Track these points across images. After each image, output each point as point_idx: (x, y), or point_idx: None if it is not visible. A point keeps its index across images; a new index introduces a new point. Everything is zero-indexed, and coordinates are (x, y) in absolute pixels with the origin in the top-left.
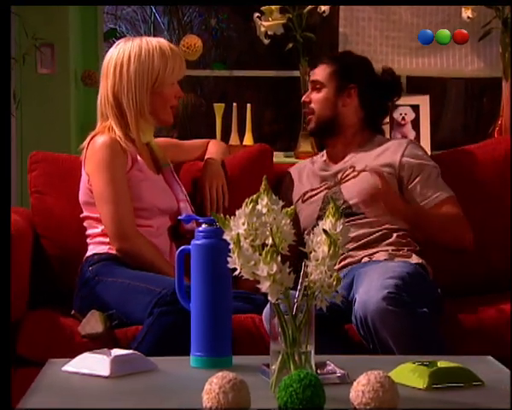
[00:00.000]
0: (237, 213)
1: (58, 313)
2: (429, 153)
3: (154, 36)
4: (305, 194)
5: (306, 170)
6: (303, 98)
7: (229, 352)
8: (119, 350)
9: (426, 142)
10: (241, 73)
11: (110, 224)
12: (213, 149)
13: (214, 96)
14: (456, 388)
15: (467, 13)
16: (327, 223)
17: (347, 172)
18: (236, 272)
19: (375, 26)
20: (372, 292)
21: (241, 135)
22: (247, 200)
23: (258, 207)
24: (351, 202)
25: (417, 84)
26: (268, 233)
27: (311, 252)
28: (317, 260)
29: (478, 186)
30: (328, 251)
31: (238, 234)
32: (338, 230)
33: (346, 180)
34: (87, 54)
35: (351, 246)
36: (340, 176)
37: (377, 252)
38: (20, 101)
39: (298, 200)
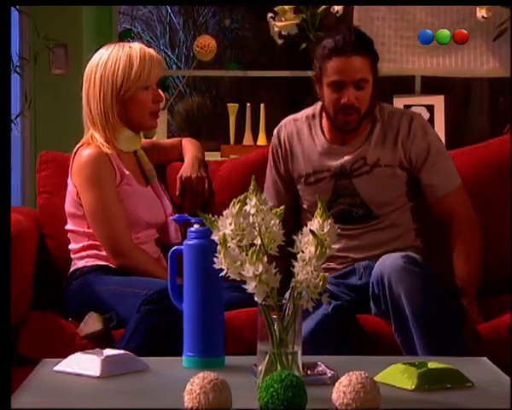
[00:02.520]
0: (224, 213)
1: (60, 314)
2: None
3: (170, 36)
4: (307, 175)
5: (300, 140)
6: (348, 100)
7: (222, 352)
8: (111, 350)
9: None
10: (256, 73)
11: (105, 242)
12: (191, 147)
13: (229, 97)
14: (445, 389)
15: (481, 12)
16: (314, 223)
17: (358, 164)
18: (223, 273)
19: (389, 25)
20: (392, 255)
21: (255, 135)
22: (234, 200)
23: (247, 207)
24: (371, 206)
25: (432, 85)
26: (256, 233)
27: (298, 253)
28: (304, 260)
29: (478, 187)
30: (315, 252)
31: (224, 234)
32: (325, 230)
33: (358, 174)
34: None
35: (373, 253)
36: (349, 167)
37: None
38: (32, 101)
39: (300, 178)
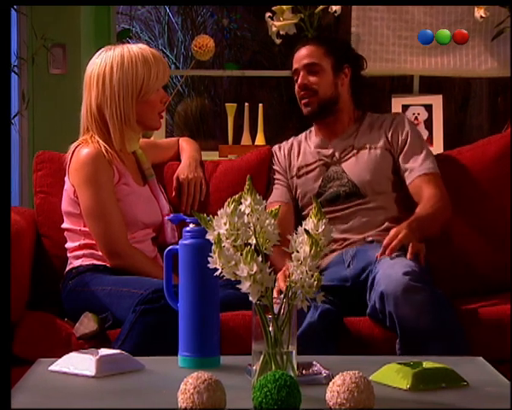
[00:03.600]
0: (219, 213)
1: (56, 314)
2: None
3: (168, 36)
4: (299, 169)
5: (298, 147)
6: (300, 81)
7: (217, 352)
8: (106, 350)
9: (439, 141)
10: (254, 73)
11: (101, 242)
12: (188, 147)
13: (227, 96)
14: (440, 388)
15: (479, 12)
16: (309, 223)
17: (347, 151)
18: (217, 273)
19: (387, 25)
20: (394, 269)
21: (253, 135)
22: (229, 200)
23: (242, 207)
24: (356, 182)
25: (430, 84)
26: (251, 233)
27: (292, 252)
28: (299, 260)
29: (474, 187)
30: (310, 251)
31: (219, 234)
32: (320, 230)
33: (347, 159)
34: None
35: (362, 235)
36: (338, 155)
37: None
38: (30, 101)
39: (293, 176)
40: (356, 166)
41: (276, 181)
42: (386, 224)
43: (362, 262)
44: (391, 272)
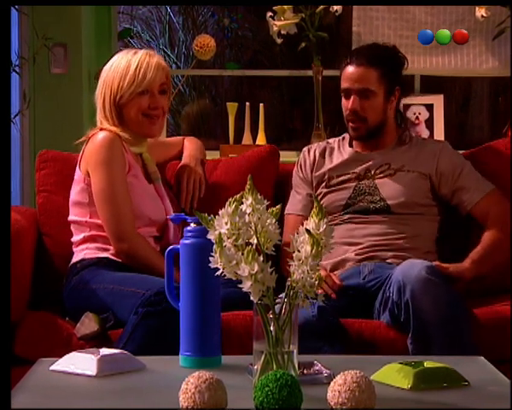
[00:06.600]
0: (220, 212)
1: (57, 314)
2: None
3: (169, 36)
4: (330, 178)
5: (331, 154)
6: (351, 106)
7: (219, 351)
8: (107, 350)
9: None
10: (255, 72)
11: (109, 224)
12: (190, 145)
13: (228, 96)
14: (440, 388)
15: (480, 12)
16: (310, 223)
17: (383, 169)
18: (219, 272)
19: (388, 25)
20: (413, 264)
21: (254, 134)
22: (230, 199)
23: (243, 206)
24: (389, 202)
25: (431, 84)
26: (252, 233)
27: (294, 252)
28: (300, 259)
29: None
30: (311, 251)
31: (220, 233)
32: (321, 229)
33: (382, 177)
34: (100, 53)
35: (383, 242)
36: (373, 171)
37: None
38: (31, 100)
39: (321, 183)
40: (391, 186)
41: (298, 190)
42: (407, 244)
43: (378, 277)
44: (410, 266)
